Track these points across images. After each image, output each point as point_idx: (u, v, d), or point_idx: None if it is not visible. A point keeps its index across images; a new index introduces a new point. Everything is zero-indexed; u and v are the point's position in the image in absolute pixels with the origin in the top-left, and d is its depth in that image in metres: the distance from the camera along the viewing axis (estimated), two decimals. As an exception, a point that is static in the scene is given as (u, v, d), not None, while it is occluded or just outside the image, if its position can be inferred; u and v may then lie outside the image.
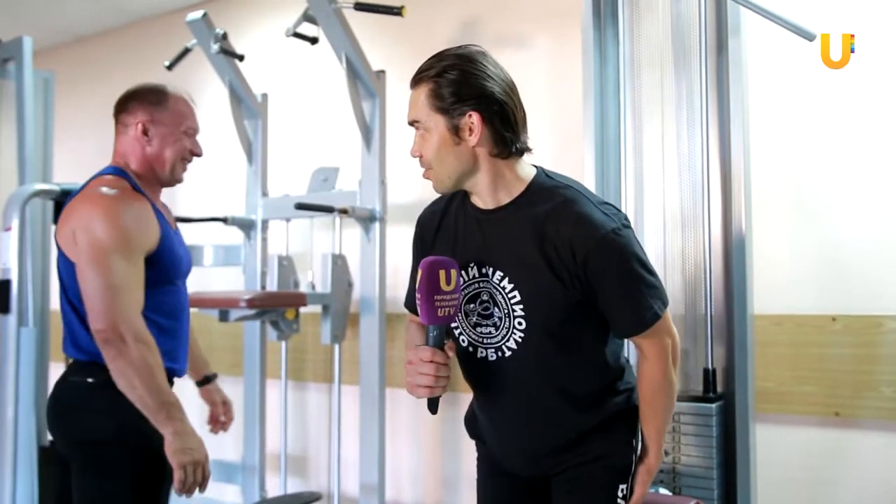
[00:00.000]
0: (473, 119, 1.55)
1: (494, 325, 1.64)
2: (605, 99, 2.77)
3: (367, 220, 3.25)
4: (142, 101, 2.08)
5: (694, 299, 2.63)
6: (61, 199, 3.34)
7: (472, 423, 1.86)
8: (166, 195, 2.20)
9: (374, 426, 3.20)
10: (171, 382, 2.04)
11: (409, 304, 1.81)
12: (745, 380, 2.46)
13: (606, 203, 1.62)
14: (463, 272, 1.63)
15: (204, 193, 4.34)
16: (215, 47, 3.40)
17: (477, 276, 1.64)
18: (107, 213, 1.89)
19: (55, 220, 3.33)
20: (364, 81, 3.24)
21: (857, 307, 2.52)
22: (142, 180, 2.05)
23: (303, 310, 3.41)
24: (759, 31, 2.60)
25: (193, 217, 3.79)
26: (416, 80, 1.59)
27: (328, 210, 3.20)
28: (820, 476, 2.59)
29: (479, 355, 1.68)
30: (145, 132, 2.05)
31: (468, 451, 3.11)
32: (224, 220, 3.59)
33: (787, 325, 2.62)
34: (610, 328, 1.65)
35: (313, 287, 3.44)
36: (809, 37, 2.32)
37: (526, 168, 1.65)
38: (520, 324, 1.60)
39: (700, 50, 2.60)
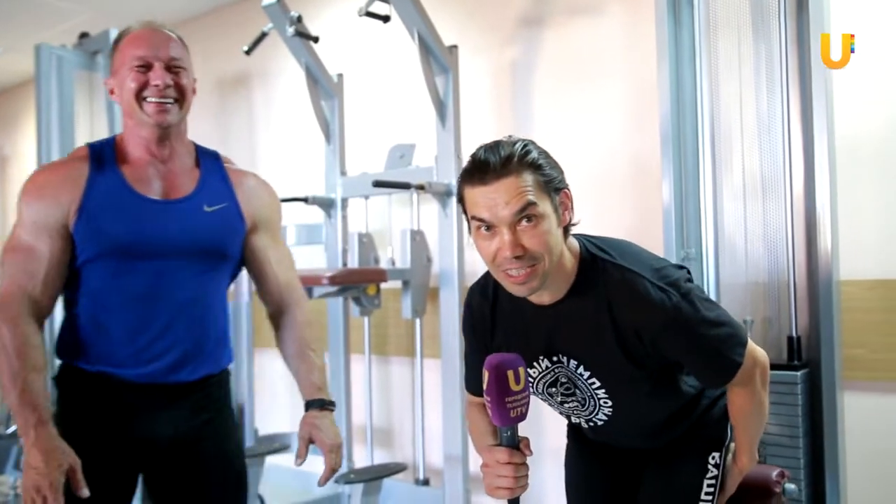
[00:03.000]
0: (567, 197, 1.46)
1: (580, 402, 1.63)
2: (681, 64, 2.72)
3: (444, 195, 3.27)
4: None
5: (776, 266, 2.58)
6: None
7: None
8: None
9: (456, 398, 3.25)
10: (117, 388, 1.70)
11: (471, 388, 1.73)
12: (832, 347, 2.40)
13: (657, 268, 1.52)
14: (535, 363, 1.60)
15: (284, 174, 4.45)
16: (291, 30, 3.47)
17: (550, 365, 1.60)
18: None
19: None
20: (437, 57, 3.26)
21: (953, 270, 2.43)
22: (129, 143, 1.74)
23: (383, 285, 3.48)
24: (842, -14, 2.51)
25: (276, 198, 3.90)
26: (508, 167, 1.38)
27: (405, 187, 3.25)
28: (913, 445, 2.52)
29: (573, 420, 1.72)
30: (112, 91, 1.75)
31: (550, 424, 3.14)
32: (305, 200, 3.68)
33: (879, 291, 2.54)
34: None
35: (393, 263, 3.50)
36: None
37: (572, 243, 1.53)
38: (605, 402, 1.60)
39: (779, 9, 2.53)
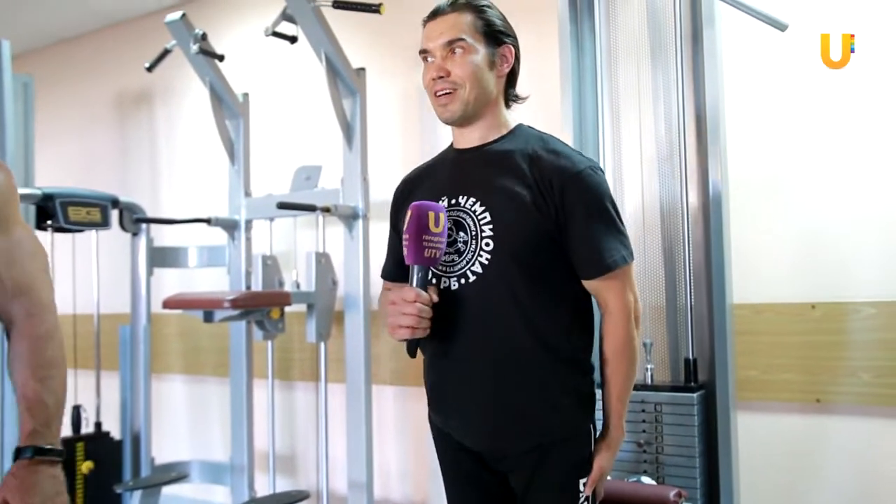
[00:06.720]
0: (509, 52, 1.70)
1: (458, 251, 1.65)
2: (583, 91, 2.79)
3: (350, 217, 3.25)
4: None
5: (674, 291, 2.65)
6: (43, 204, 3.36)
7: (433, 397, 1.78)
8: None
9: (361, 423, 3.21)
10: None
11: (386, 273, 1.89)
12: (726, 369, 2.48)
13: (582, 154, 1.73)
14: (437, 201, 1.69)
15: (187, 195, 4.34)
16: (195, 48, 3.41)
17: (446, 206, 1.68)
18: None
19: (38, 225, 3.37)
20: (344, 79, 3.24)
21: (836, 294, 2.55)
22: None
23: (288, 309, 3.42)
24: (734, 21, 2.62)
25: (177, 219, 3.80)
26: (454, 6, 1.67)
27: (311, 209, 3.21)
28: (802, 462, 2.62)
29: (442, 286, 1.66)
30: None
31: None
32: (207, 221, 3.60)
33: (767, 314, 2.65)
34: (575, 269, 1.63)
35: (298, 286, 3.45)
36: (781, 27, 2.34)
37: (514, 116, 1.78)
38: (487, 244, 1.62)
39: (675, 41, 2.62)
